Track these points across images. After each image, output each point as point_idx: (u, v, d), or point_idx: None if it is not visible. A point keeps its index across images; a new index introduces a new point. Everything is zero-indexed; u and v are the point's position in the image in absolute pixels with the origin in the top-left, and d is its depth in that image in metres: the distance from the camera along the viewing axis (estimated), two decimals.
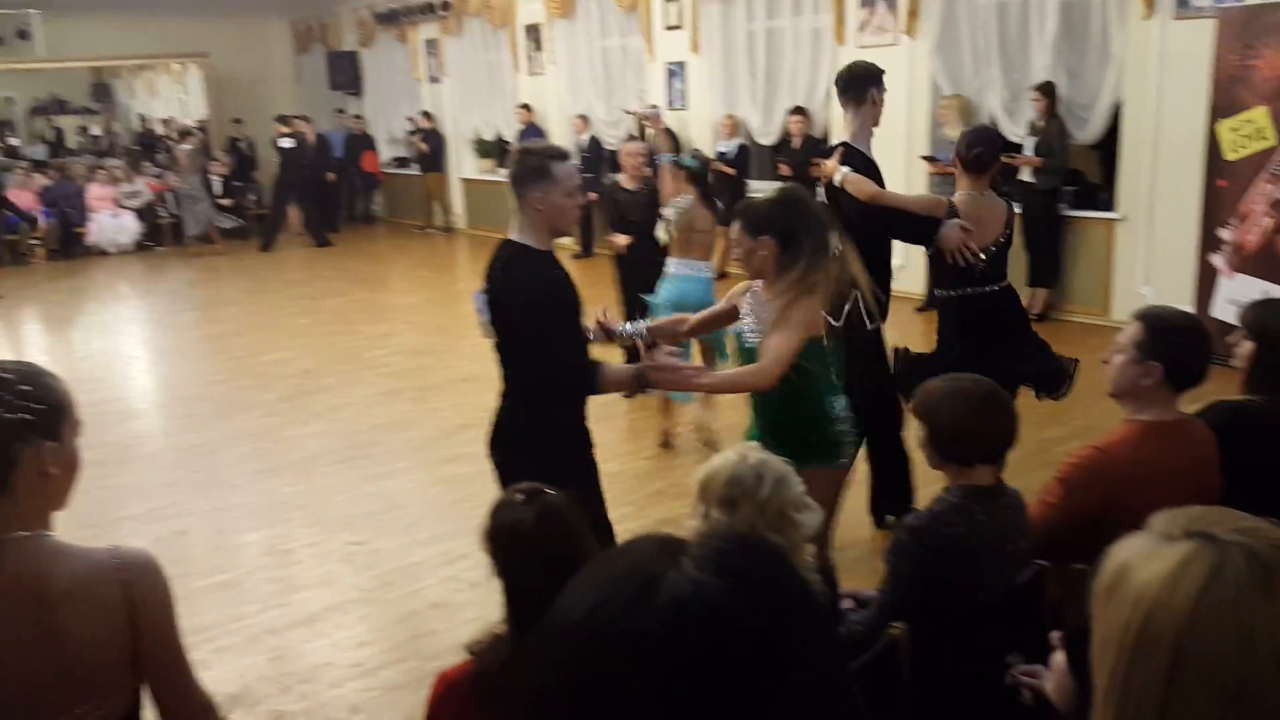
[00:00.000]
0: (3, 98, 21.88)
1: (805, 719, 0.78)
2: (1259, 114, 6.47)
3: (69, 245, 15.02)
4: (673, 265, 5.85)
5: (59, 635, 1.66)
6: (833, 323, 3.49)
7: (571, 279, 3.18)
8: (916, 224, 4.42)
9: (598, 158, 12.56)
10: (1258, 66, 6.44)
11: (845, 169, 4.39)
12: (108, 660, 1.72)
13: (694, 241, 5.82)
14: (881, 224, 4.42)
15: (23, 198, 14.89)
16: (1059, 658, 1.65)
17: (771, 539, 1.99)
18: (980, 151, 4.45)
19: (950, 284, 4.54)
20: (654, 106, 6.88)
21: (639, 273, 6.21)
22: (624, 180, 6.72)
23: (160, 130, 20.18)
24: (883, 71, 4.63)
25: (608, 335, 3.49)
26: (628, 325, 3.61)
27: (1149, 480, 2.53)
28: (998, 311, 4.54)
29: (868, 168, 4.44)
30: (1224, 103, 6.66)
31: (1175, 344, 2.66)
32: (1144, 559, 1.08)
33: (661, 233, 5.93)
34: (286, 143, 14.49)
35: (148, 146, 18.92)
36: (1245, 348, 3.00)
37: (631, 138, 7.46)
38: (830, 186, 4.49)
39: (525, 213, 3.10)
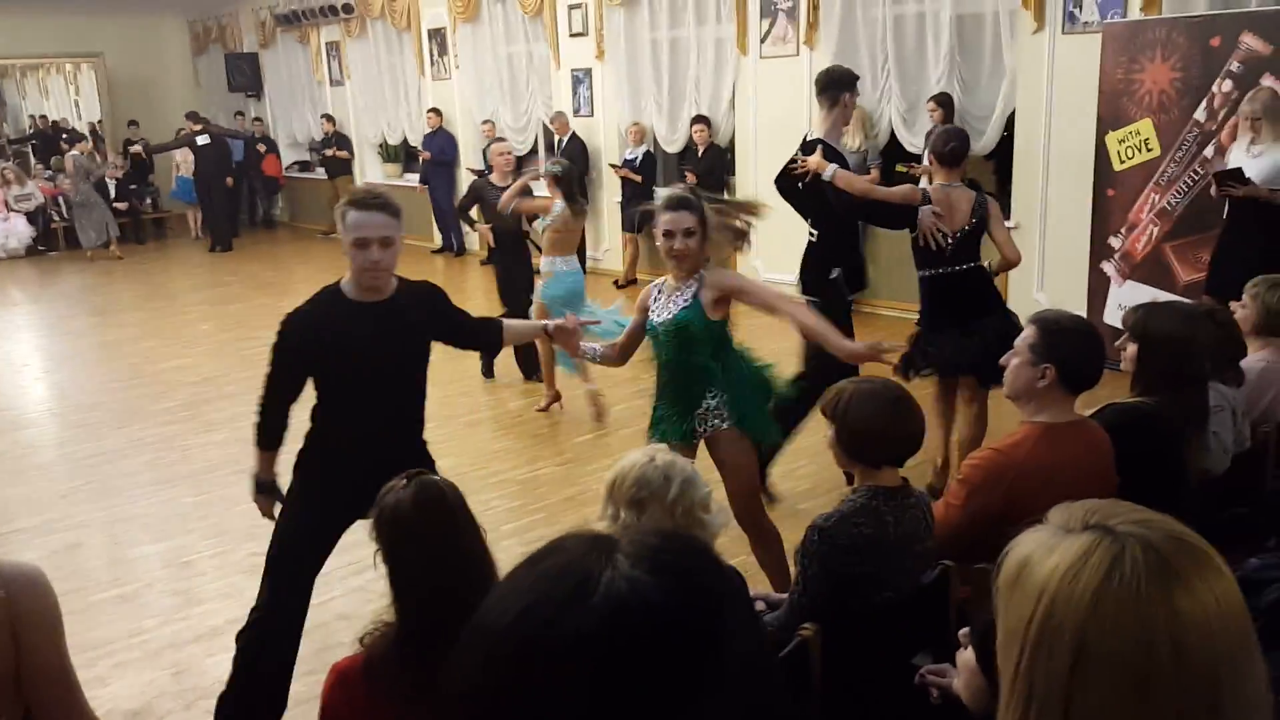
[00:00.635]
0: None
1: (740, 708, 0.79)
2: (1144, 125, 6.75)
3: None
4: (552, 264, 6.45)
5: None
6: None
7: (325, 323, 3.10)
8: (897, 212, 5.06)
9: None
10: (1141, 80, 6.71)
11: (834, 166, 4.97)
12: None
13: (567, 241, 6.47)
14: (864, 213, 5.25)
15: None
16: (967, 655, 1.69)
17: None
18: (954, 146, 5.01)
19: (926, 264, 5.10)
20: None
21: (514, 268, 7.02)
22: (494, 178, 7.27)
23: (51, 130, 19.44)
24: (857, 78, 5.29)
25: (573, 347, 3.76)
26: (589, 346, 3.88)
27: (1048, 480, 2.62)
28: (966, 289, 5.07)
29: (841, 162, 5.07)
30: (1111, 115, 6.93)
31: (1068, 346, 2.76)
32: (1045, 551, 1.09)
33: (536, 230, 6.71)
34: (204, 139, 14.15)
35: (47, 146, 18.20)
36: (1130, 350, 3.13)
37: (501, 139, 8.01)
38: (816, 179, 5.01)
39: None
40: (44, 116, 20.13)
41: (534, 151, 12.59)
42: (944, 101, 8.16)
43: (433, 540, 2.05)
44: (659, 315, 3.68)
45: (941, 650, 2.70)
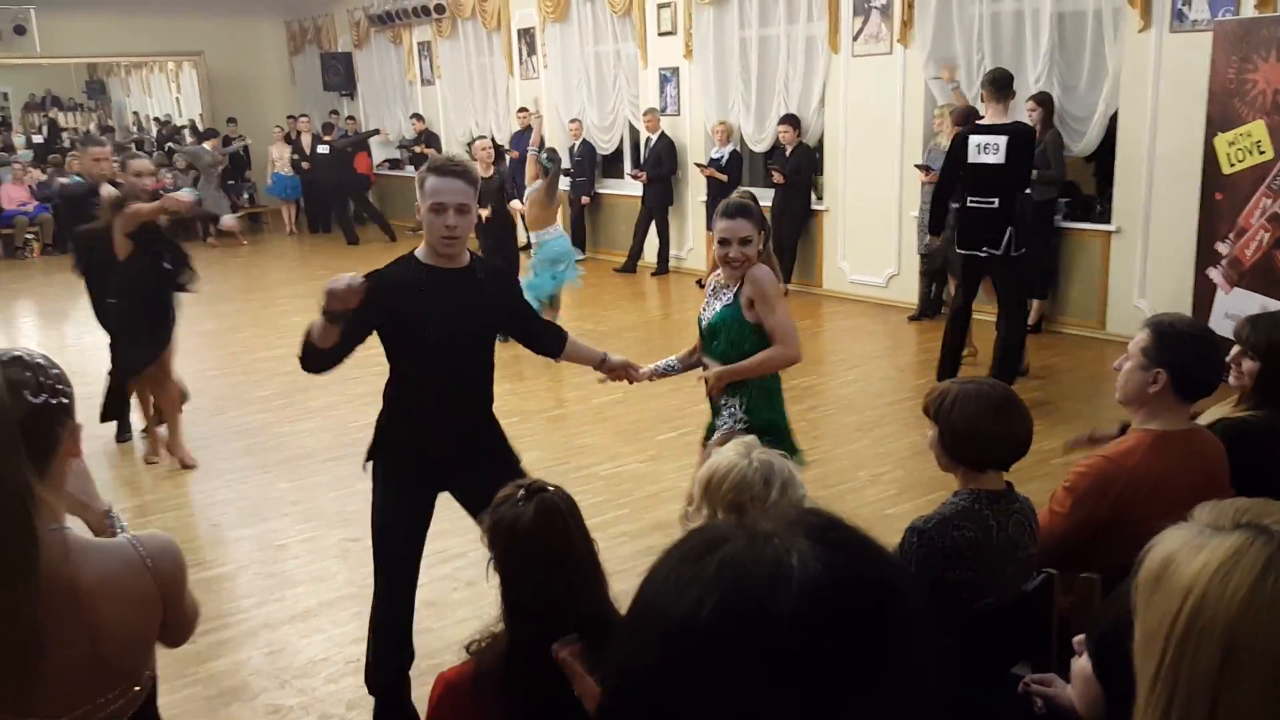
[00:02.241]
0: None
1: (919, 686, 0.77)
2: (1256, 127, 6.51)
3: (64, 240, 14.94)
4: (537, 236, 8.09)
5: (91, 630, 1.67)
6: None
7: (400, 286, 3.06)
8: None
9: (590, 162, 12.56)
10: (1254, 80, 6.47)
11: None
12: (140, 648, 1.77)
13: (542, 216, 8.05)
14: None
15: (17, 193, 14.84)
16: (1082, 663, 1.64)
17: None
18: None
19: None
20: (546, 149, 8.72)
21: (502, 244, 8.40)
22: (480, 169, 8.12)
23: (157, 128, 20.10)
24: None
25: (642, 376, 3.73)
26: (659, 365, 3.85)
27: (1157, 490, 2.53)
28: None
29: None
30: (1220, 116, 6.70)
31: (1181, 351, 2.67)
32: (1192, 550, 1.08)
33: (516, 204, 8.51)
34: (324, 149, 14.62)
35: (166, 143, 18.82)
36: (1248, 365, 2.99)
37: (483, 136, 9.33)
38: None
39: None
40: (158, 117, 20.81)
41: (619, 152, 12.62)
42: (1043, 101, 7.94)
43: (549, 555, 2.03)
44: (705, 311, 3.73)
45: (1042, 659, 2.63)
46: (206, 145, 15.18)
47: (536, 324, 3.54)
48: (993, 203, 6.38)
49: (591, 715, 1.95)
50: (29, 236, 14.74)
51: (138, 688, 1.80)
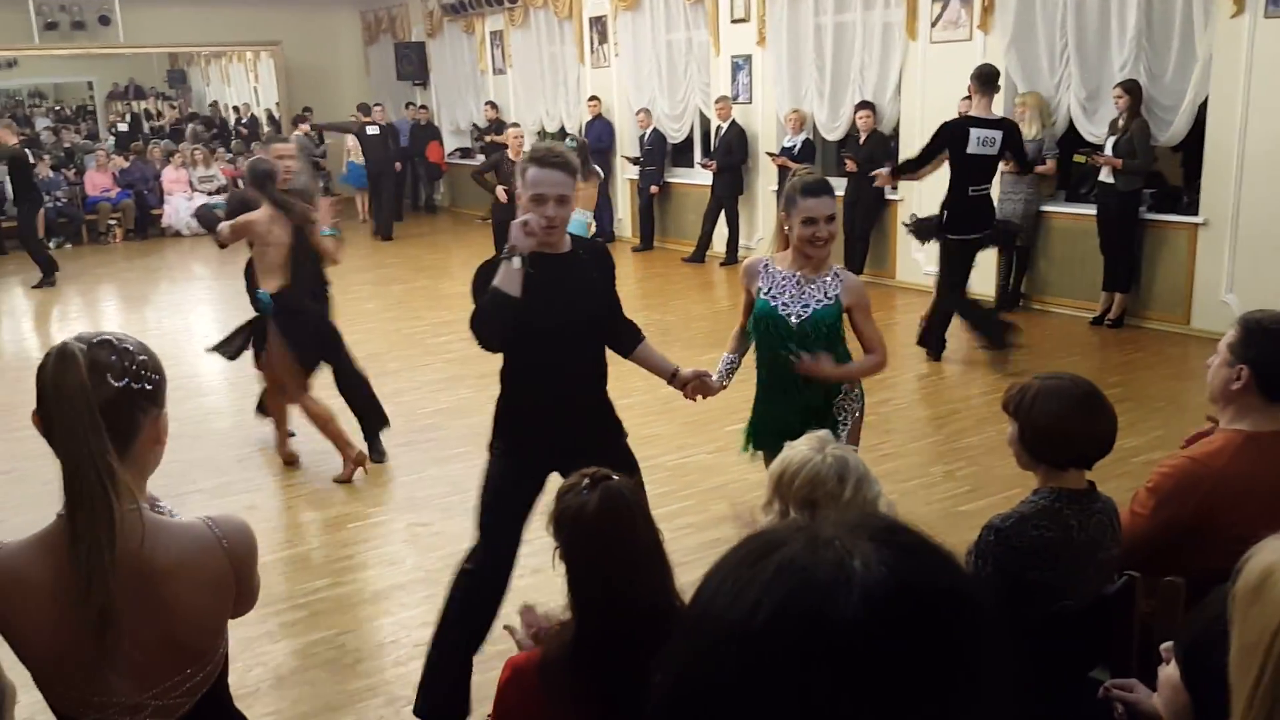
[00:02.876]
0: (83, 82, 22.39)
1: (994, 706, 0.73)
2: None
3: (144, 226, 15.35)
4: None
5: (167, 609, 1.70)
6: None
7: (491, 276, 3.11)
8: None
9: (660, 151, 12.52)
10: None
11: None
12: (214, 627, 1.80)
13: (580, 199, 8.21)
14: None
15: (101, 179, 15.25)
16: (1170, 670, 1.57)
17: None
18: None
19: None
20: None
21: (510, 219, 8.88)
22: (510, 154, 9.34)
23: (236, 116, 20.51)
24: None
25: (708, 390, 3.64)
26: (723, 369, 3.79)
27: (1246, 494, 2.43)
28: None
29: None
30: None
31: (1267, 348, 2.55)
32: None
33: None
34: (373, 130, 14.66)
35: (248, 132, 19.19)
36: None
37: (516, 124, 10.81)
38: None
39: None
40: (236, 106, 21.22)
41: (689, 141, 12.55)
42: (1131, 88, 7.71)
43: (614, 544, 2.02)
44: (785, 305, 3.53)
45: (1122, 664, 2.55)
46: (299, 132, 15.35)
47: (619, 315, 3.47)
48: (986, 189, 7.11)
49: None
50: (111, 222, 15.13)
51: (210, 666, 1.82)
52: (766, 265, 3.63)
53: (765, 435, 3.68)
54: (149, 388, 1.73)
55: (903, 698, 0.68)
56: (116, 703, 1.71)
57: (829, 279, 3.54)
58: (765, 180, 11.23)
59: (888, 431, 6.05)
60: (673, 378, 3.56)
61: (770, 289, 3.58)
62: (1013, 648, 0.74)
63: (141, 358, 1.72)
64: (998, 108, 7.61)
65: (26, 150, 13.41)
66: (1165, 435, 5.62)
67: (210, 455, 5.97)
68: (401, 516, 5.05)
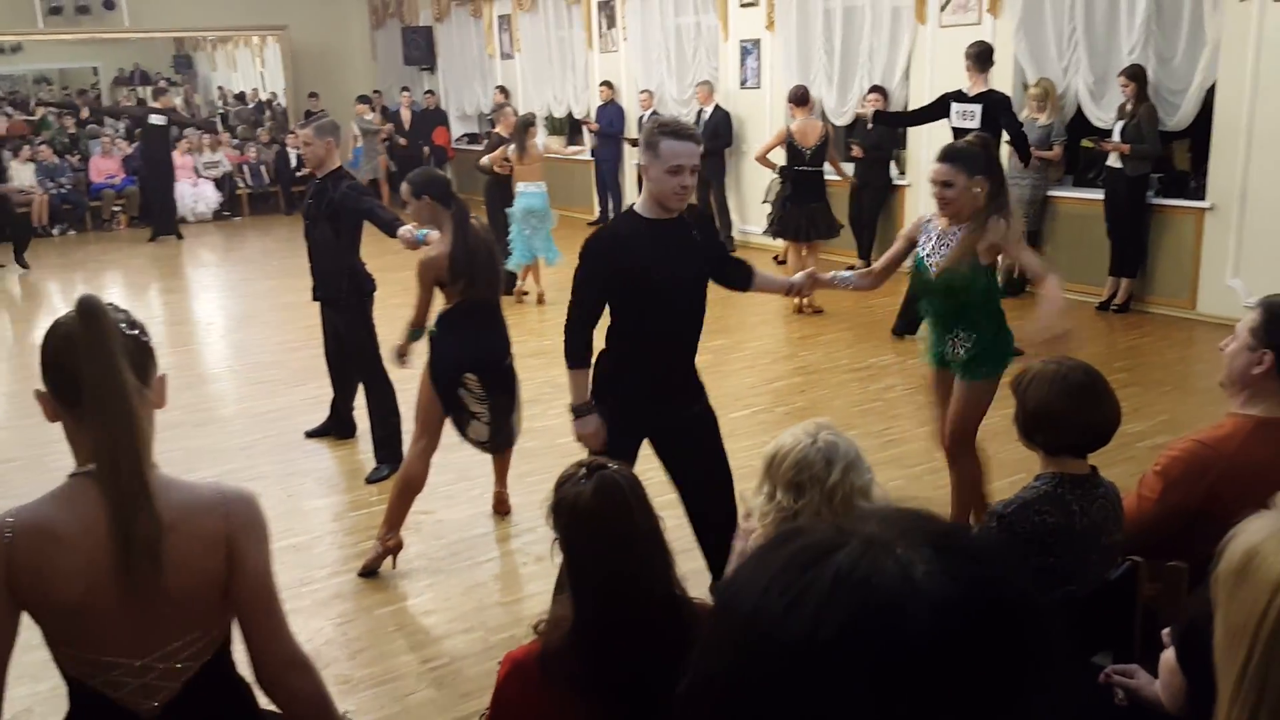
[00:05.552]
0: (89, 67, 22.37)
1: (1060, 713, 0.70)
2: None
3: (150, 212, 15.35)
4: (519, 189, 8.95)
5: (167, 564, 1.73)
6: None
7: (626, 242, 3.32)
8: None
9: None
10: None
11: None
12: (206, 590, 1.80)
13: (527, 171, 8.93)
14: None
15: (106, 165, 15.24)
16: (1169, 654, 1.57)
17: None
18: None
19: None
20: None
21: (498, 192, 9.53)
22: (499, 130, 9.78)
23: (243, 102, 20.48)
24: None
25: (826, 284, 4.05)
26: (841, 274, 4.13)
27: (1256, 480, 2.40)
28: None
29: None
30: None
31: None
32: (1278, 542, 1.01)
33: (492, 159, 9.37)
34: (158, 119, 13.85)
35: (253, 117, 19.15)
36: None
37: (507, 104, 11.13)
38: None
39: (645, 182, 3.35)
40: (242, 92, 21.19)
41: (696, 124, 12.50)
42: (1136, 74, 7.66)
43: (611, 533, 2.01)
44: (930, 255, 3.92)
45: (1124, 650, 2.54)
46: (367, 116, 15.21)
47: (728, 258, 3.77)
48: None
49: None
50: (116, 209, 15.13)
51: (215, 632, 1.84)
52: (929, 223, 4.00)
53: (929, 351, 4.14)
54: (151, 345, 1.83)
55: (979, 713, 0.66)
56: (123, 664, 1.75)
57: (964, 230, 3.85)
58: (753, 163, 11.17)
59: (894, 417, 6.03)
60: (789, 289, 3.97)
61: (924, 242, 3.98)
62: (1067, 651, 0.72)
63: (137, 321, 1.84)
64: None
65: None
66: (1171, 420, 5.60)
67: (213, 443, 5.97)
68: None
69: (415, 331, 4.52)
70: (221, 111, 20.65)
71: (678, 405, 3.46)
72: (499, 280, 4.60)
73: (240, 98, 21.41)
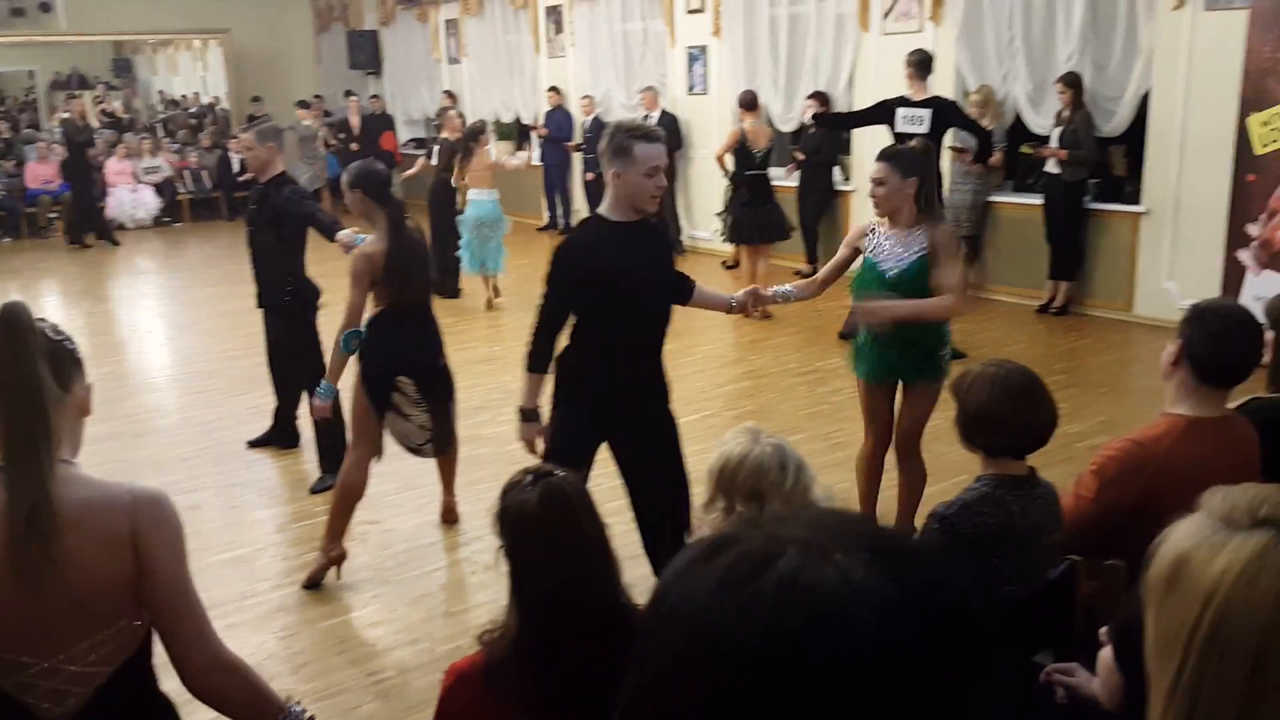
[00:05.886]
0: (24, 71, 21.87)
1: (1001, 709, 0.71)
2: None
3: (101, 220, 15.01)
4: (471, 194, 8.97)
5: (70, 562, 1.71)
6: None
7: (596, 247, 3.34)
8: None
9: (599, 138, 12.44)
10: None
11: None
12: (113, 590, 1.78)
13: (478, 178, 8.93)
14: None
15: (43, 171, 14.91)
16: (1107, 653, 1.59)
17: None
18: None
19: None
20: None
21: (442, 196, 9.52)
22: (445, 135, 9.87)
23: (177, 107, 20.13)
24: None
25: (767, 300, 3.99)
26: (782, 288, 4.04)
27: (1188, 478, 2.45)
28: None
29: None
30: (1254, 96, 6.57)
31: (1198, 329, 2.57)
32: (1209, 550, 1.01)
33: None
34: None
35: (197, 122, 18.80)
36: (1269, 337, 2.91)
37: (452, 108, 11.40)
38: None
39: (609, 187, 3.36)
40: (184, 95, 20.82)
41: None
42: (1073, 82, 7.82)
43: (556, 541, 1.99)
44: (883, 259, 3.97)
45: (1065, 648, 2.58)
46: (306, 121, 14.98)
47: (673, 270, 3.82)
48: None
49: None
50: (52, 216, 14.80)
51: (123, 635, 1.81)
52: (874, 229, 4.05)
53: (862, 361, 4.15)
54: (77, 354, 1.85)
55: (927, 713, 0.67)
56: (32, 664, 1.74)
57: (919, 234, 3.93)
58: (702, 168, 11.23)
59: (841, 420, 6.08)
60: (730, 308, 3.92)
61: (872, 247, 4.03)
62: (1005, 644, 0.73)
63: (61, 328, 1.86)
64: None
65: None
66: (1109, 420, 5.70)
67: (153, 454, 5.86)
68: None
69: (348, 337, 4.21)
70: (162, 118, 20.27)
71: (645, 404, 3.51)
72: (430, 283, 4.51)
73: (173, 103, 21.05)
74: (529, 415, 3.49)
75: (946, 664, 0.68)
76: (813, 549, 0.70)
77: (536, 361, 3.44)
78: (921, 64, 7.32)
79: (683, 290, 3.70)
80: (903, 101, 7.29)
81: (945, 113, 7.18)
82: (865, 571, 0.68)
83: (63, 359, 1.81)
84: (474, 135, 9.04)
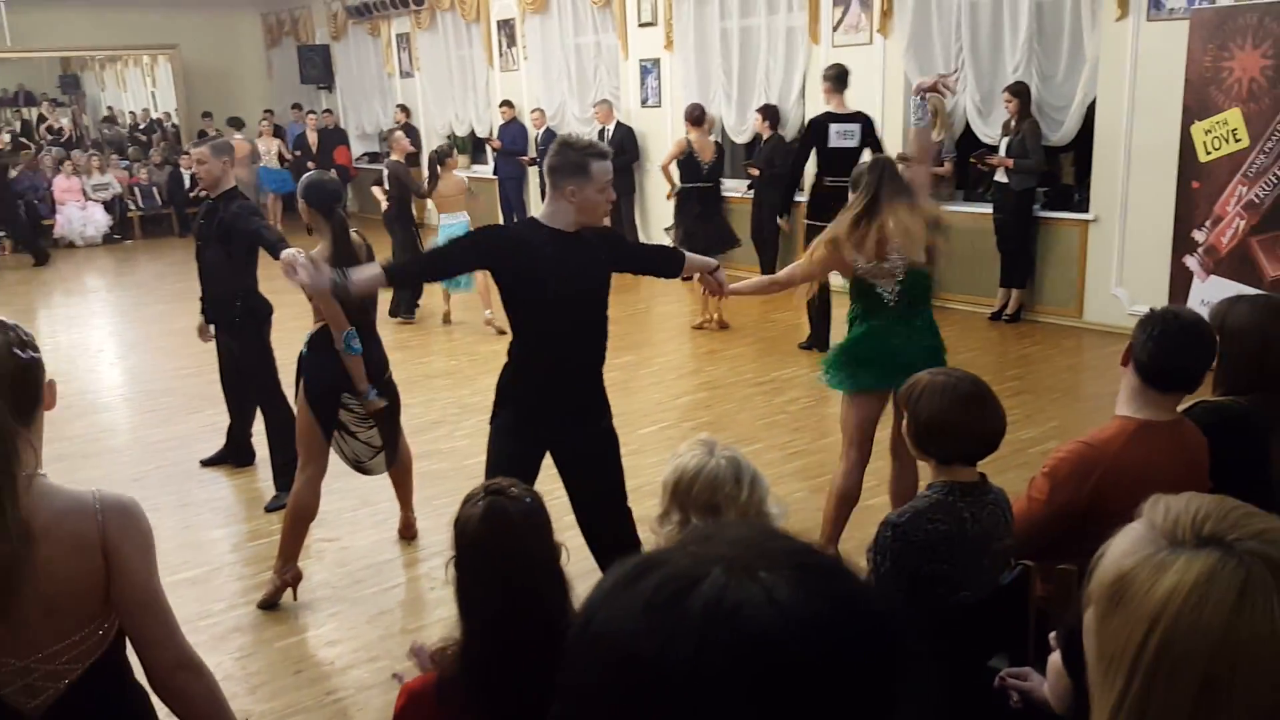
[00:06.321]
0: None
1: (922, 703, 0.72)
2: (1232, 115, 6.51)
3: (36, 238, 14.78)
4: (440, 219, 8.86)
5: (43, 570, 1.71)
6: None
7: (528, 246, 3.33)
8: None
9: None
10: (1230, 68, 6.47)
11: None
12: (84, 594, 1.79)
13: (448, 203, 8.77)
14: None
15: None
16: (1056, 659, 1.61)
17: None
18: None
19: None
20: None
21: (403, 219, 9.14)
22: (395, 157, 9.56)
23: (115, 124, 19.87)
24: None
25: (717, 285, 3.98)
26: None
27: (1139, 481, 2.49)
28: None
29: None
30: (1197, 104, 6.70)
31: (1144, 333, 2.62)
32: (1154, 570, 1.00)
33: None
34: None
35: (144, 138, 18.57)
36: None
37: (396, 127, 11.31)
38: None
39: (556, 200, 3.34)
40: (132, 111, 20.54)
41: (601, 140, 12.54)
42: (1019, 92, 7.94)
43: (499, 559, 1.98)
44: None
45: (1019, 653, 2.61)
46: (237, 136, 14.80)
47: (648, 251, 3.98)
48: (845, 181, 7.47)
49: None
50: None
51: (99, 634, 1.82)
52: None
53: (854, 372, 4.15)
54: (40, 358, 1.87)
55: None
56: (7, 663, 1.74)
57: None
58: (657, 180, 11.25)
59: (797, 430, 6.11)
60: (714, 271, 3.92)
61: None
62: (926, 652, 0.74)
63: (26, 331, 1.86)
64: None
65: None
66: (1061, 426, 5.78)
67: (105, 474, 5.76)
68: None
69: (348, 338, 4.14)
70: (94, 139, 19.93)
71: (583, 422, 3.48)
72: (375, 298, 4.46)
73: (111, 120, 20.77)
74: (336, 289, 3.40)
75: (874, 677, 0.68)
76: (737, 568, 0.70)
77: (391, 268, 3.53)
78: (839, 78, 7.48)
79: (673, 262, 3.77)
80: (831, 117, 7.43)
81: (870, 127, 7.45)
82: (790, 589, 0.68)
83: (25, 383, 1.80)
84: (440, 159, 8.90)
